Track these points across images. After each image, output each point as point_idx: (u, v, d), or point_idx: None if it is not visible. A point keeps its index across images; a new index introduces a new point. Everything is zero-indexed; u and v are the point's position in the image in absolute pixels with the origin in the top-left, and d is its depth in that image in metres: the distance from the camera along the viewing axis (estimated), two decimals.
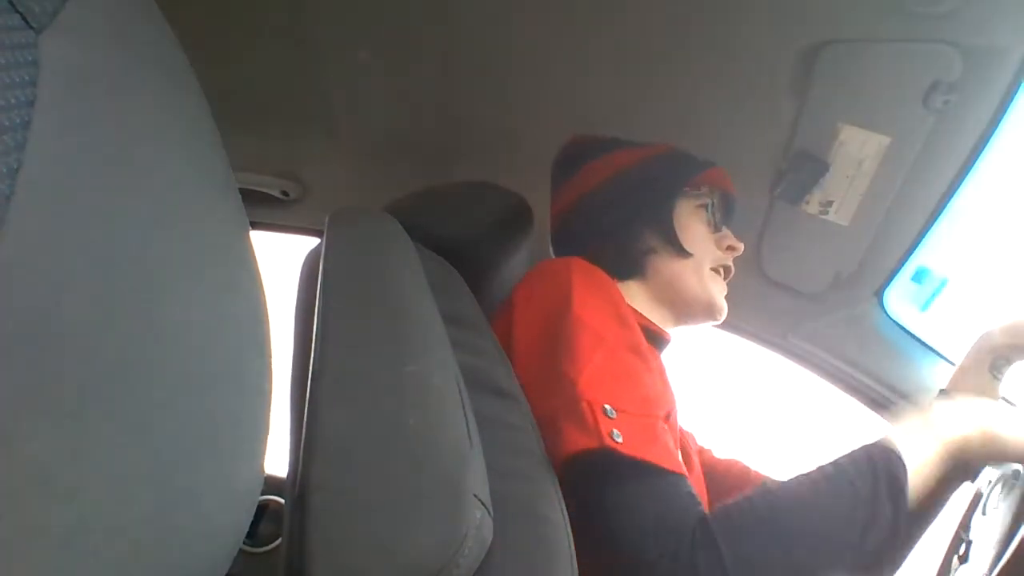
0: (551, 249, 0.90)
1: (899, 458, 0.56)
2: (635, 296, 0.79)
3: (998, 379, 0.71)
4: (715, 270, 0.82)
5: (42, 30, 0.22)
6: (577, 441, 0.57)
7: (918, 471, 0.56)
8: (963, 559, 0.66)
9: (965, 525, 0.68)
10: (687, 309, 0.81)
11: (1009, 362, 0.71)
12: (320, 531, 0.38)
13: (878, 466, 0.55)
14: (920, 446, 0.58)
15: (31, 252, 0.20)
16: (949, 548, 0.68)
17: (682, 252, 0.79)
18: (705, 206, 0.83)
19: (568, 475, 0.58)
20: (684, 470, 0.59)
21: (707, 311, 0.81)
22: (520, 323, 0.67)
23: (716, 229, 0.84)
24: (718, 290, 0.82)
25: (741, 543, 0.52)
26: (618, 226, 0.81)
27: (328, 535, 0.38)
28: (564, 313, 0.64)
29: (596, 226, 0.82)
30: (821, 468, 0.58)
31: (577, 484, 0.58)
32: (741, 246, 0.84)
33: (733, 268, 0.84)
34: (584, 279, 0.68)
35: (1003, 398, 0.70)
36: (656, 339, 0.78)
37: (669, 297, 0.80)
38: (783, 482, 0.58)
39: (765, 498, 0.56)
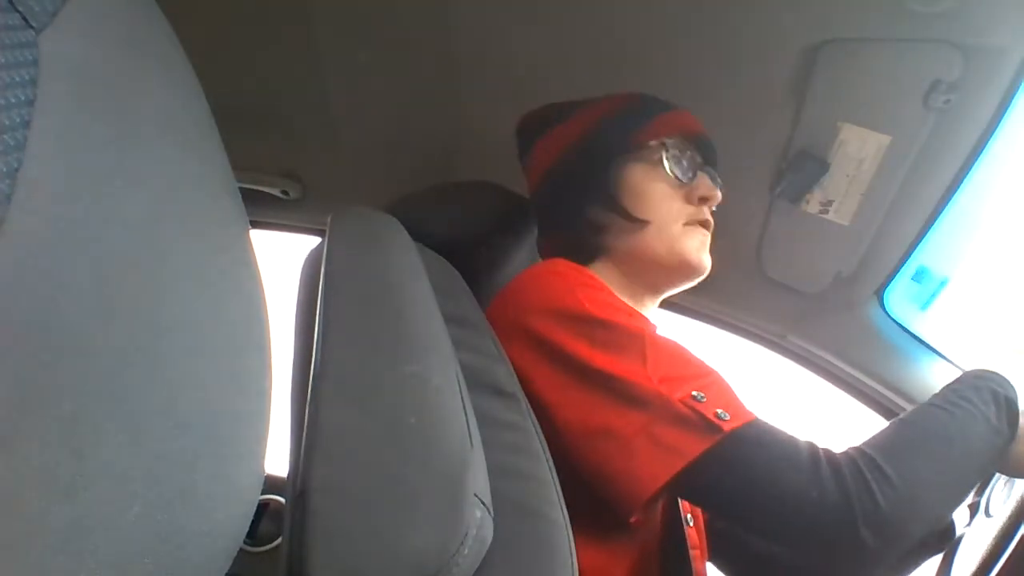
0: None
1: (1009, 383, 0.64)
2: (604, 277, 0.75)
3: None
4: (690, 225, 0.75)
5: (42, 29, 0.22)
6: (693, 446, 0.55)
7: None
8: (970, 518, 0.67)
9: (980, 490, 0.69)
10: (663, 275, 0.75)
11: None
12: (320, 530, 0.38)
13: (996, 390, 0.62)
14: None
15: (31, 252, 0.20)
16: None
17: (636, 220, 0.73)
18: (660, 161, 0.75)
19: (689, 480, 0.56)
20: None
21: (683, 271, 0.74)
22: (523, 341, 0.64)
23: (684, 182, 0.75)
24: (694, 247, 0.74)
25: (902, 462, 0.55)
26: (566, 208, 0.77)
27: (328, 534, 0.38)
28: (584, 320, 0.62)
29: (550, 211, 0.80)
30: (944, 396, 0.62)
31: (708, 485, 0.57)
32: (717, 193, 0.75)
33: (712, 220, 0.76)
34: (576, 276, 0.67)
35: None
36: None
37: (639, 269, 0.75)
38: (913, 414, 0.61)
39: (907, 426, 0.60)
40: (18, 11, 0.21)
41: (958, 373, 0.96)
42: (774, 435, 0.57)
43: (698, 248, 0.74)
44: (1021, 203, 0.87)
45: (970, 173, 0.83)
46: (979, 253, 0.95)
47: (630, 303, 0.72)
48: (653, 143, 0.75)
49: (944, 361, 0.99)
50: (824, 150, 0.87)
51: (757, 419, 0.58)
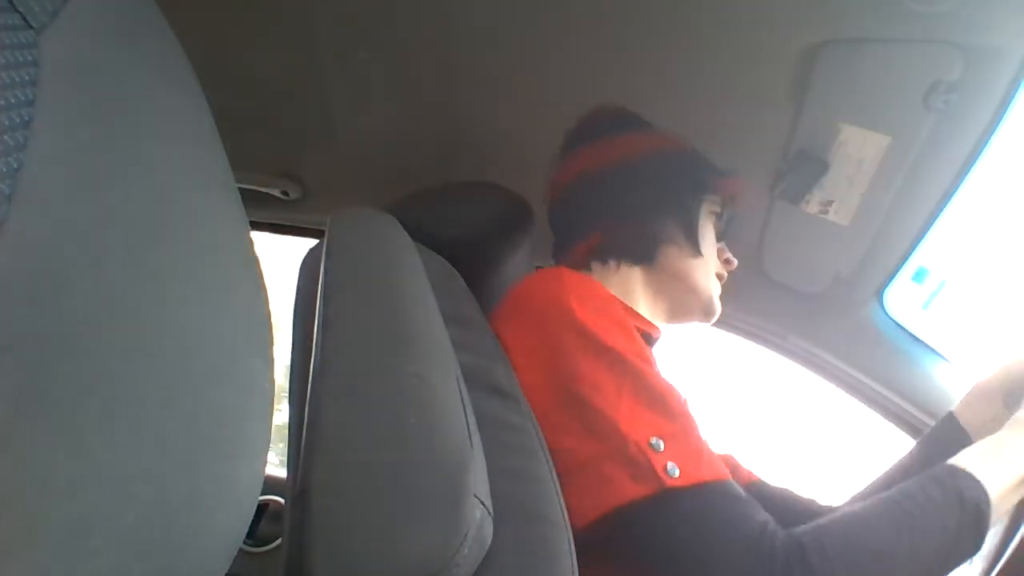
0: (548, 215, 0.88)
1: (983, 490, 0.57)
2: (634, 284, 0.78)
3: (1014, 409, 0.70)
4: (719, 275, 0.84)
5: (42, 30, 0.22)
6: (631, 489, 0.55)
7: (1001, 496, 0.57)
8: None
9: None
10: (688, 305, 0.81)
11: None
12: (320, 531, 0.38)
13: (964, 496, 0.56)
14: (1000, 471, 0.59)
15: (32, 252, 0.20)
16: None
17: (696, 250, 0.79)
18: (717, 214, 0.84)
19: (621, 522, 0.56)
20: (725, 470, 0.59)
21: (705, 310, 0.82)
22: (521, 348, 0.65)
23: (718, 239, 0.85)
24: (717, 294, 0.83)
25: (837, 561, 0.52)
26: (648, 205, 0.79)
27: (328, 535, 0.38)
28: (572, 336, 0.62)
29: (624, 198, 0.79)
30: (906, 491, 0.57)
31: (636, 529, 0.57)
32: (735, 262, 0.86)
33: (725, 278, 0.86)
34: (579, 291, 0.66)
35: None
36: (647, 338, 0.76)
37: (673, 290, 0.80)
38: (869, 504, 0.57)
39: (854, 519, 0.56)
40: (18, 11, 0.21)
41: (958, 373, 0.97)
42: (720, 504, 0.56)
43: (718, 297, 0.83)
44: (1021, 203, 0.87)
45: (970, 173, 0.83)
46: (979, 253, 0.95)
47: (645, 315, 0.77)
48: (721, 197, 0.84)
49: (944, 361, 0.99)
50: (824, 150, 0.87)
51: (716, 482, 0.57)
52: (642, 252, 0.79)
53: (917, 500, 0.56)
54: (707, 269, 0.81)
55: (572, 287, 0.66)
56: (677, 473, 0.55)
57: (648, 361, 0.64)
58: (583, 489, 0.57)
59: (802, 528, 0.55)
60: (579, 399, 0.60)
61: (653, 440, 0.57)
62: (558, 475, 0.58)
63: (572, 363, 0.61)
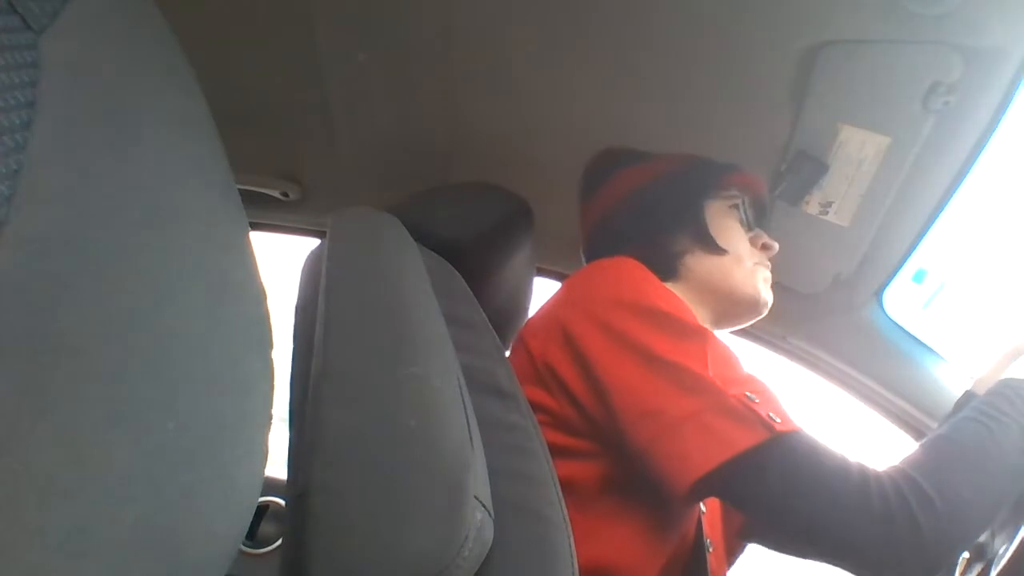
0: (583, 258, 0.90)
1: None
2: None
3: None
4: (759, 264, 0.83)
5: (42, 31, 0.22)
6: (742, 439, 0.56)
7: None
8: (976, 557, 0.67)
9: None
10: (729, 308, 0.81)
11: None
12: (321, 533, 0.38)
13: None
14: None
15: (31, 253, 0.20)
16: None
17: (716, 249, 0.80)
18: (736, 206, 0.84)
19: (736, 472, 0.57)
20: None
21: (750, 303, 0.81)
22: (591, 322, 0.66)
23: (749, 229, 0.85)
24: (762, 283, 0.82)
25: (943, 483, 0.55)
26: (650, 229, 0.81)
27: (329, 537, 0.38)
28: (652, 311, 0.65)
29: (629, 231, 0.82)
30: (981, 410, 0.62)
31: (750, 479, 0.57)
32: (776, 245, 0.84)
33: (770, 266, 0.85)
34: (644, 274, 0.70)
35: None
36: None
37: (708, 296, 0.80)
38: (950, 429, 0.62)
39: (945, 444, 0.60)
40: (18, 13, 0.21)
41: (957, 373, 0.97)
42: (823, 446, 0.59)
43: (764, 284, 0.82)
44: (1021, 203, 0.87)
45: (969, 173, 0.83)
46: (979, 253, 0.95)
47: None
48: (732, 191, 0.84)
49: (943, 361, 0.99)
50: (824, 151, 0.87)
51: (805, 431, 0.59)
52: (665, 267, 0.79)
53: (992, 414, 0.61)
54: (740, 265, 0.80)
55: (637, 272, 0.70)
56: (780, 421, 0.58)
57: (714, 335, 0.66)
58: (687, 445, 0.58)
59: (895, 467, 0.58)
60: (664, 362, 0.61)
61: (749, 394, 0.59)
62: (650, 440, 0.59)
63: (646, 334, 0.63)
